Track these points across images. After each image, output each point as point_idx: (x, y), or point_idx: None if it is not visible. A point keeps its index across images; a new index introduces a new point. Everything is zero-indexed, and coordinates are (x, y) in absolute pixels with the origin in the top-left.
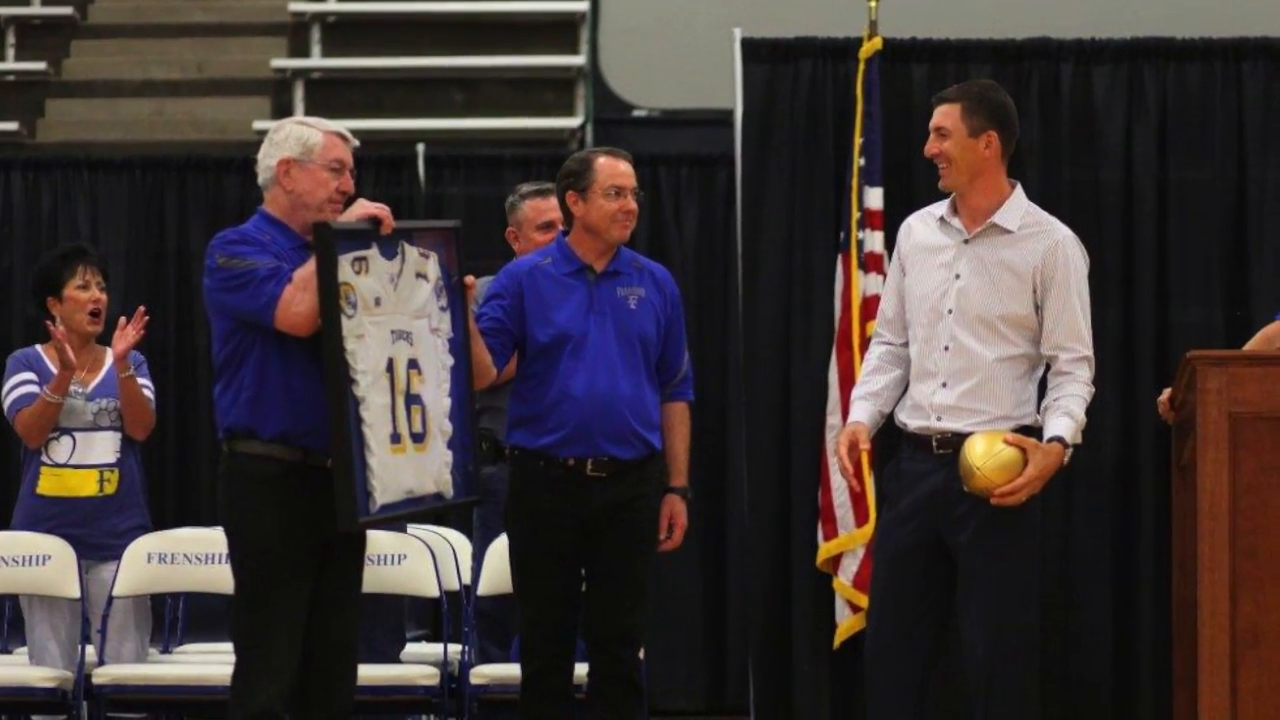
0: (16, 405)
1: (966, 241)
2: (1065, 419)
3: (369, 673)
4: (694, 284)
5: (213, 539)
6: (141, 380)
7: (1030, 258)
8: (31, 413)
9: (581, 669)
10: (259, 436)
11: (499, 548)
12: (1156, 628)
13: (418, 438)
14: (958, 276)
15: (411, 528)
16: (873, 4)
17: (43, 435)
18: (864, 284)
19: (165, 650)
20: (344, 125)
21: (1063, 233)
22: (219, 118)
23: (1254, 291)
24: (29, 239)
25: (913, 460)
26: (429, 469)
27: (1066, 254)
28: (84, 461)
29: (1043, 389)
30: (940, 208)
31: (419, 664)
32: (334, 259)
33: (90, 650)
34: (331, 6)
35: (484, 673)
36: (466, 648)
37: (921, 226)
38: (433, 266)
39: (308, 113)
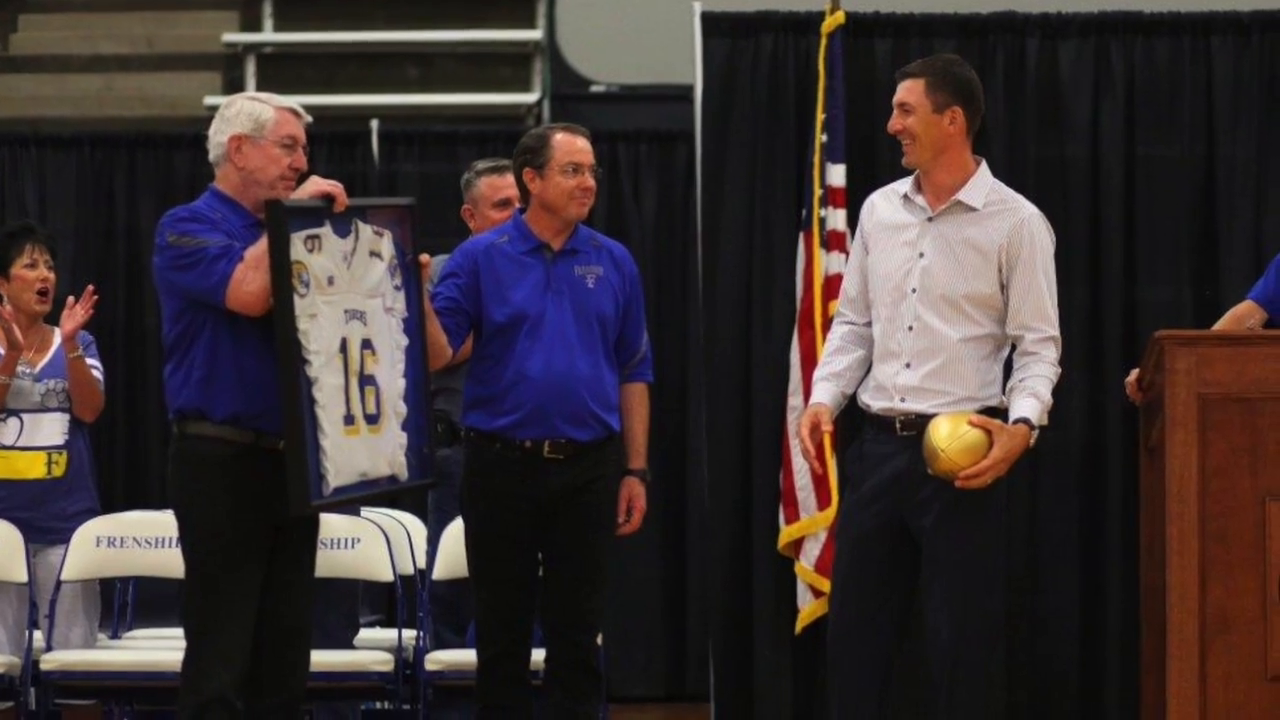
0: None
1: (930, 219)
2: (1031, 400)
3: (322, 658)
4: (653, 262)
5: (163, 522)
6: (90, 361)
7: (995, 236)
8: None
9: (538, 654)
10: (210, 418)
11: (454, 531)
12: (1124, 612)
13: (372, 419)
14: (921, 255)
15: (365, 511)
16: None
17: None
18: (826, 263)
19: (114, 636)
20: (296, 101)
21: (1028, 210)
22: (169, 93)
23: (1223, 270)
24: None
25: (876, 442)
26: (383, 451)
27: (1032, 232)
28: (31, 443)
29: (1008, 369)
30: (904, 185)
31: (373, 649)
32: (286, 237)
33: (38, 636)
34: None
35: (439, 658)
36: (421, 633)
37: (885, 204)
38: (387, 245)
39: (259, 88)
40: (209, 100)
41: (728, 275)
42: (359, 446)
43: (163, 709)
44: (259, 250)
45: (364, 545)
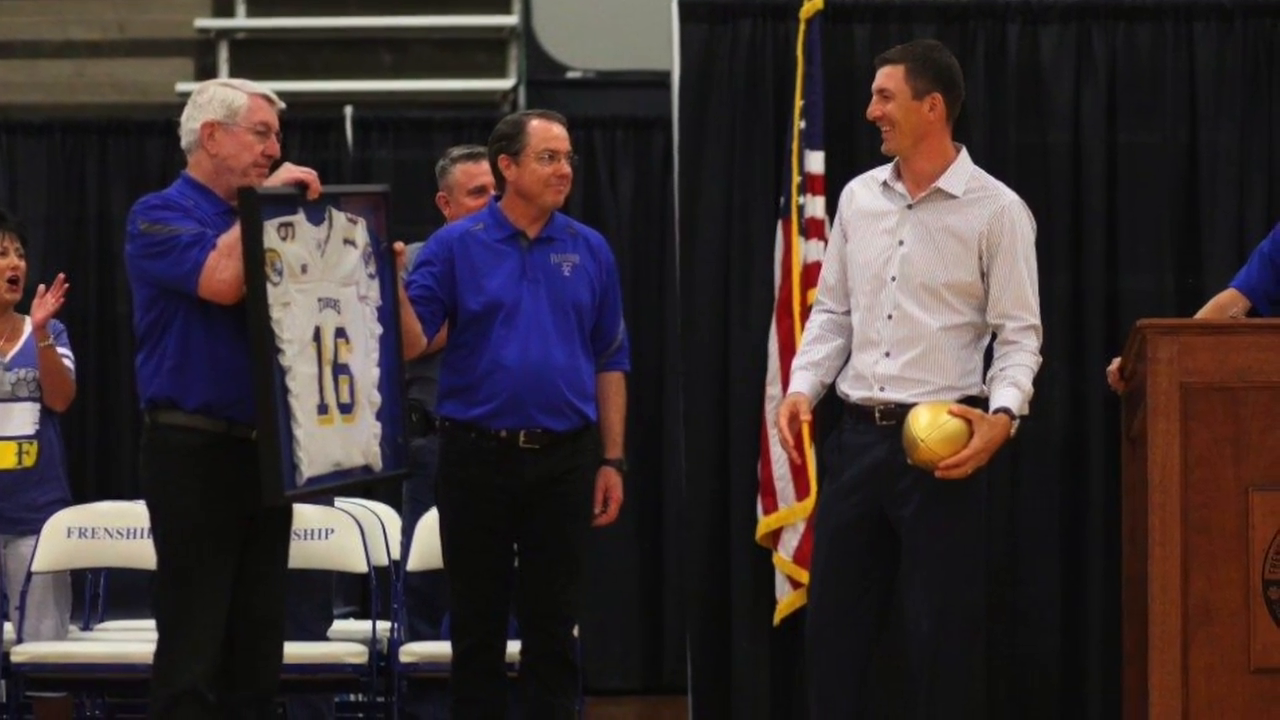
0: None
1: (910, 207)
2: (1012, 389)
3: (295, 650)
4: (630, 250)
5: (134, 513)
6: (61, 349)
7: (976, 223)
8: None
9: (514, 646)
10: (182, 407)
11: (429, 522)
12: (1106, 603)
13: (345, 409)
14: (901, 243)
15: (339, 501)
16: None
17: None
18: (805, 250)
19: (86, 627)
20: (269, 87)
21: (1009, 198)
22: (141, 79)
23: (1206, 258)
24: None
25: (855, 432)
26: (357, 441)
27: (1013, 219)
28: (2, 433)
29: (989, 358)
30: (883, 172)
31: (347, 641)
32: (259, 225)
33: (8, 628)
34: None
35: (413, 650)
36: (396, 625)
37: (864, 191)
38: (361, 232)
39: (232, 74)
40: (181, 86)
41: (705, 263)
42: (333, 436)
43: (134, 701)
44: (231, 238)
45: (338, 536)
